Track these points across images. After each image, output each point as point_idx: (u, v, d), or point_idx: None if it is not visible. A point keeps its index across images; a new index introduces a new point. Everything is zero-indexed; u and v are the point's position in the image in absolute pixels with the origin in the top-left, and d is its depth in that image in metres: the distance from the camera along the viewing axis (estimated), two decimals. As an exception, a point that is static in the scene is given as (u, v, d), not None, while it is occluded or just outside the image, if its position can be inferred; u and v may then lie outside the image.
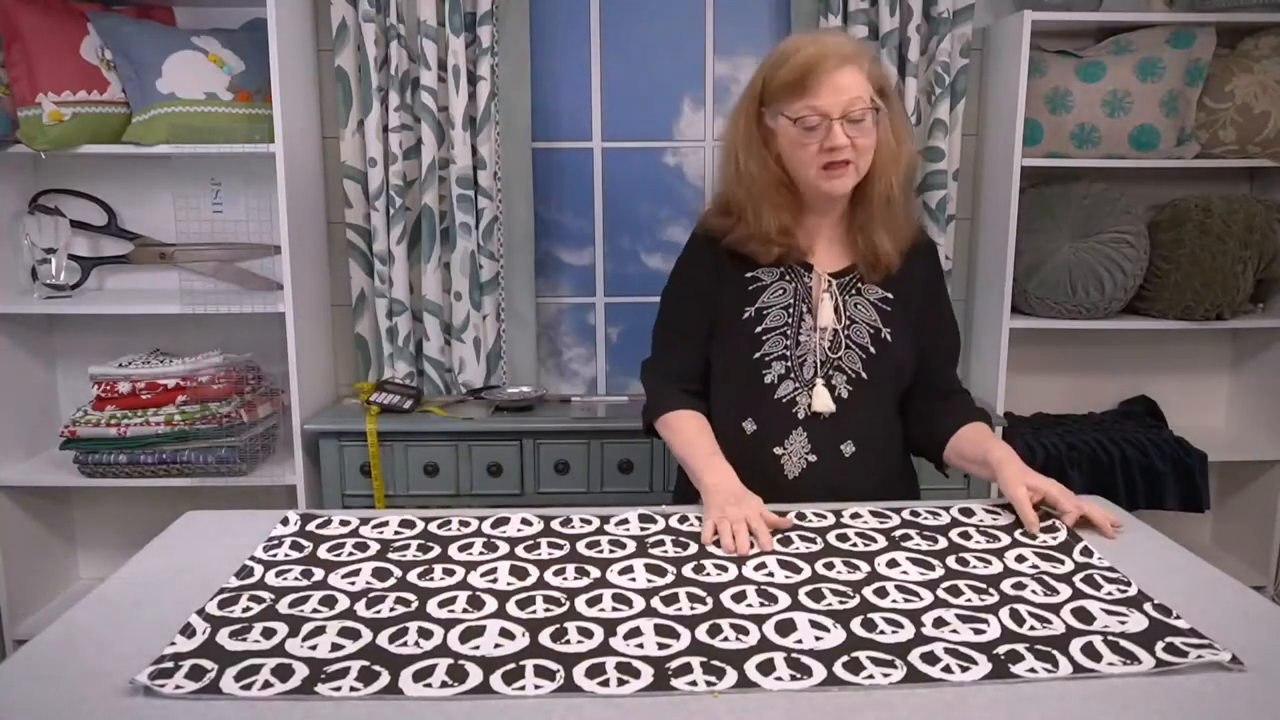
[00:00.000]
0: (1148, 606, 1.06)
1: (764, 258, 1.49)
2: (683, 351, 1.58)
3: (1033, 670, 0.92)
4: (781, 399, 1.48)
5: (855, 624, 1.02)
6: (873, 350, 1.48)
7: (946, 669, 0.92)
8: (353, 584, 1.13)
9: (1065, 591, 1.10)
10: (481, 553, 1.23)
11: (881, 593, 1.10)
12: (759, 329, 1.49)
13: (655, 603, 1.07)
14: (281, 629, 1.01)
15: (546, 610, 1.06)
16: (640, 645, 0.97)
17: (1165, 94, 2.28)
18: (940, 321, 1.58)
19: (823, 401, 1.47)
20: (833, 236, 1.53)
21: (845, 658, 0.95)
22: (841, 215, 1.52)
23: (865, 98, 1.38)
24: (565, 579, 1.14)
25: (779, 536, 1.27)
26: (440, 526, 1.32)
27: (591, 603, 1.07)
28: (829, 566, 1.18)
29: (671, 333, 1.60)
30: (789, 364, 1.48)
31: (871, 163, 1.44)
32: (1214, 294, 2.33)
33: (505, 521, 1.33)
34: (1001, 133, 2.37)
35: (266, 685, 0.90)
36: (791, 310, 1.49)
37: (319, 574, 1.16)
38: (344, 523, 1.34)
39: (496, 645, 0.97)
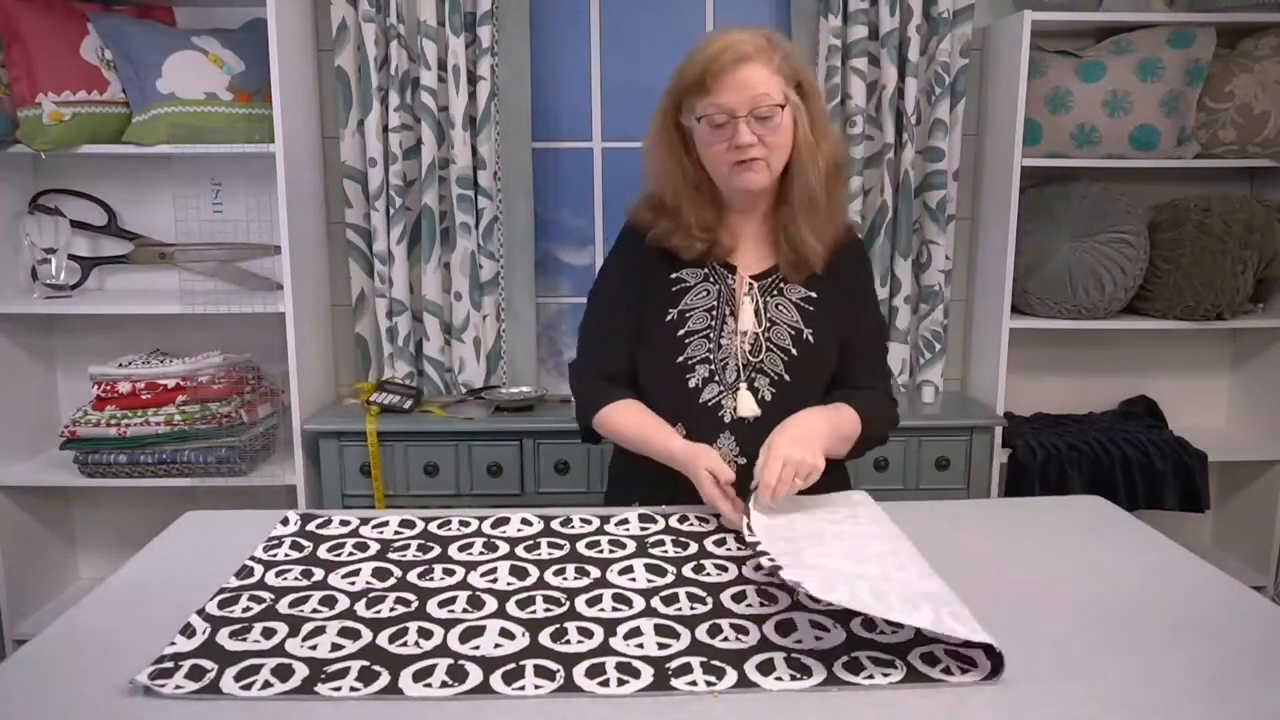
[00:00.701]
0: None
1: (687, 253, 1.46)
2: (612, 352, 1.53)
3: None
4: (707, 403, 1.46)
5: (855, 624, 1.02)
6: (794, 352, 1.46)
7: (946, 669, 0.92)
8: (353, 584, 1.13)
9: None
10: (481, 553, 1.23)
11: (881, 593, 1.10)
12: (681, 332, 1.46)
13: (655, 603, 1.07)
14: (281, 629, 1.01)
15: (546, 610, 1.06)
16: (640, 645, 0.97)
17: (1165, 94, 2.27)
18: (861, 320, 1.53)
19: (746, 406, 1.45)
20: (758, 236, 1.50)
21: (845, 658, 0.95)
22: (766, 215, 1.50)
23: (772, 94, 1.35)
24: (565, 579, 1.14)
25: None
26: (440, 526, 1.32)
27: (591, 603, 1.07)
28: (829, 566, 1.18)
29: (601, 332, 1.56)
30: (712, 367, 1.46)
31: (790, 160, 1.41)
32: (1214, 294, 2.33)
33: (505, 521, 1.33)
34: (1001, 133, 2.37)
35: (266, 685, 0.90)
36: (714, 313, 1.47)
37: (319, 574, 1.16)
38: (344, 523, 1.34)
39: (496, 645, 0.97)
